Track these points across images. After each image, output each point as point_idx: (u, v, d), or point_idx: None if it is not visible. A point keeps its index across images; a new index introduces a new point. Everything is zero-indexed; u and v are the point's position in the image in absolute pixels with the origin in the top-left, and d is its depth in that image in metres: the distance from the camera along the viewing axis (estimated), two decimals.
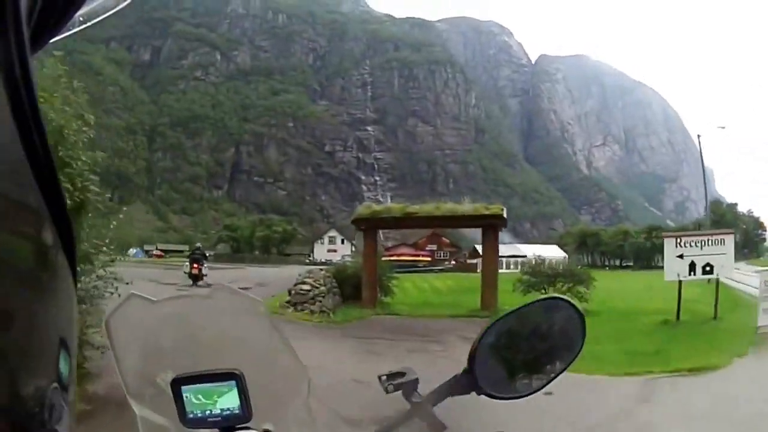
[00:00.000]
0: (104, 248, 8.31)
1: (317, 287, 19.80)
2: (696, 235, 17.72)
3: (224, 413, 1.31)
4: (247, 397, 1.30)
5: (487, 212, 22.54)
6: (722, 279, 17.27)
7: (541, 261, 23.46)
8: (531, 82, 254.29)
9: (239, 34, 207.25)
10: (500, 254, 77.29)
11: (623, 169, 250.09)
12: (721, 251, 16.16)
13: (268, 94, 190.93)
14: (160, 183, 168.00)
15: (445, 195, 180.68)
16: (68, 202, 0.67)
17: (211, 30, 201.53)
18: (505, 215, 22.55)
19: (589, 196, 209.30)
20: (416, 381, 1.36)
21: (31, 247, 0.45)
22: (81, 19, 0.75)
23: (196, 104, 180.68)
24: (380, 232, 28.71)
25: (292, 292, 19.56)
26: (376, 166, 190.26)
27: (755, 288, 16.01)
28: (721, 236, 16.69)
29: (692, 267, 15.98)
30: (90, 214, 8.01)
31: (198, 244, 31.09)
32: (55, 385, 0.49)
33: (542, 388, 1.37)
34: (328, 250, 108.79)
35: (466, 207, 23.60)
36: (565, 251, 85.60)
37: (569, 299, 1.41)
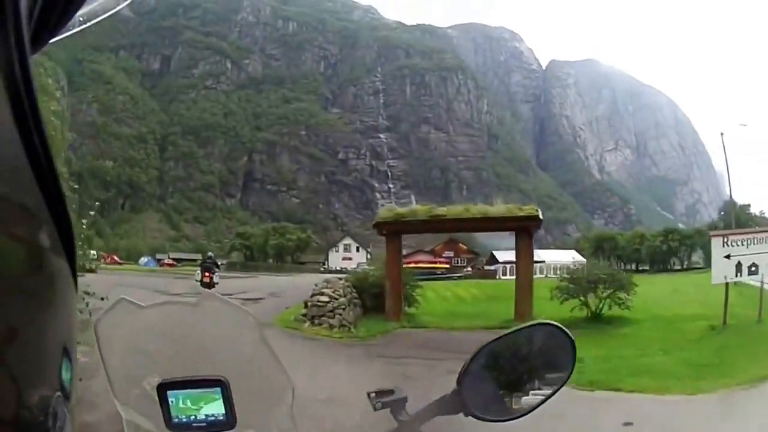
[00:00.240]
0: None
1: (336, 298, 18.42)
2: (743, 233, 17.20)
3: (209, 419, 1.32)
4: (232, 404, 1.31)
5: (521, 213, 21.31)
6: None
7: (580, 266, 22.33)
8: (542, 87, 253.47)
9: (250, 43, 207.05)
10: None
11: (635, 173, 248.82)
12: (764, 250, 15.53)
13: (280, 102, 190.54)
14: (172, 192, 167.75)
15: (459, 202, 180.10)
16: None
17: (221, 38, 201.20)
18: (540, 216, 21.45)
19: (601, 201, 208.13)
20: (405, 399, 1.36)
21: (32, 250, 0.45)
22: (81, 19, 0.75)
23: (207, 113, 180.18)
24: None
25: (309, 304, 18.32)
26: (389, 173, 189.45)
27: None
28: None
29: (738, 268, 15.39)
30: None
31: (210, 253, 30.86)
32: (59, 394, 0.50)
33: (530, 411, 1.36)
34: (343, 258, 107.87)
35: (499, 208, 22.37)
36: (582, 255, 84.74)
37: (560, 325, 1.42)
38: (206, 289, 23.77)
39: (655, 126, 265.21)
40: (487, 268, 77.19)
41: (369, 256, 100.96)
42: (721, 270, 15.67)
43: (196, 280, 26.30)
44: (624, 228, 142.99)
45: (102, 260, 75.18)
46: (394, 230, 21.81)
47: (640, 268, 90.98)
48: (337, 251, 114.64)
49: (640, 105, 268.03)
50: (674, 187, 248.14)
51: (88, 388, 2.56)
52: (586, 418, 8.78)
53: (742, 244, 15.68)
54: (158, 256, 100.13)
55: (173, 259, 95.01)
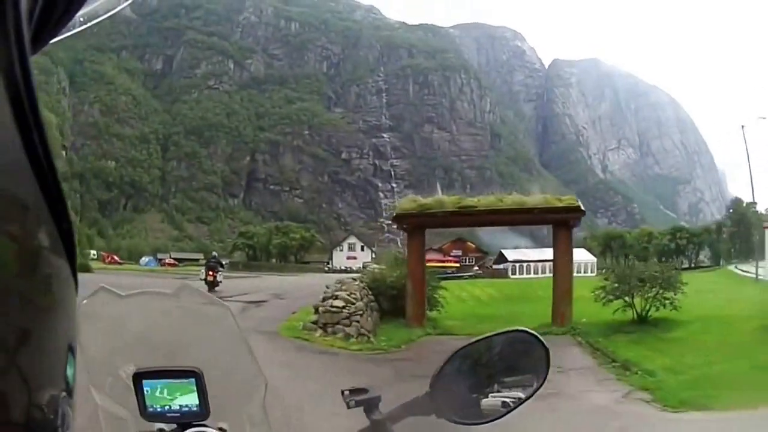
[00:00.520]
0: None
1: (353, 302, 16.05)
2: None
3: (183, 410, 1.33)
4: (206, 395, 1.32)
5: (560, 204, 18.94)
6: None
7: (630, 264, 20.24)
8: (545, 86, 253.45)
9: (252, 43, 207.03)
10: (530, 259, 74.99)
11: (638, 172, 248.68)
12: None
13: (283, 102, 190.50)
14: (174, 192, 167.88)
15: None
16: None
17: (224, 38, 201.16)
18: (582, 207, 19.19)
19: (605, 200, 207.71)
20: (378, 398, 1.37)
21: (34, 249, 0.45)
22: (81, 19, 0.75)
23: (210, 113, 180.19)
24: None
25: (321, 309, 15.95)
26: (392, 172, 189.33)
27: None
28: None
29: None
30: None
31: (214, 253, 31.59)
32: (64, 393, 0.50)
33: (502, 417, 1.36)
34: (348, 257, 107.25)
35: (535, 198, 19.90)
36: (591, 254, 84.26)
37: (535, 333, 1.42)
38: (215, 287, 25.27)
39: (657, 125, 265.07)
40: (495, 267, 76.66)
41: (374, 255, 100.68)
42: None
43: (200, 279, 26.24)
44: (627, 227, 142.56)
45: (102, 260, 74.82)
46: (417, 224, 19.10)
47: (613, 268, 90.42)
48: (341, 250, 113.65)
49: (642, 104, 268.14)
50: (677, 185, 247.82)
51: None
52: None
53: None
54: (159, 256, 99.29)
55: (175, 259, 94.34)
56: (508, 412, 1.37)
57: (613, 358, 13.48)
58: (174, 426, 1.37)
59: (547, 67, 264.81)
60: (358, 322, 15.64)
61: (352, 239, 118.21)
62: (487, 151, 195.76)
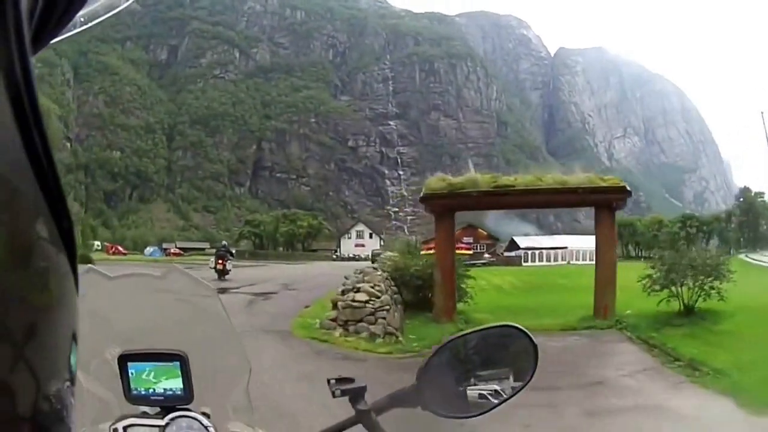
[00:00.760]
0: None
1: (378, 296, 13.96)
2: None
3: (167, 393, 1.32)
4: (190, 379, 1.31)
5: (604, 184, 17.09)
6: None
7: (682, 249, 17.96)
8: (551, 74, 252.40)
9: (257, 32, 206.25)
10: (542, 246, 74.57)
11: (643, 161, 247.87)
12: None
13: (289, 90, 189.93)
14: (180, 181, 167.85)
15: None
16: None
17: (229, 28, 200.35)
18: (628, 188, 17.50)
19: None
20: (364, 388, 1.36)
21: (35, 247, 0.45)
22: (82, 19, 0.76)
23: (215, 102, 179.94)
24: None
25: (340, 304, 13.85)
26: (399, 160, 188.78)
27: None
28: None
29: None
30: None
31: (224, 242, 32.06)
32: (68, 383, 0.50)
33: (487, 411, 1.36)
34: (356, 245, 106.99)
35: (578, 177, 17.73)
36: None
37: (523, 328, 1.40)
38: (225, 275, 26.18)
39: (662, 113, 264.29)
40: (506, 254, 76.46)
41: (382, 242, 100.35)
42: None
43: (210, 267, 26.76)
44: (634, 215, 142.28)
45: (106, 251, 74.38)
46: (446, 206, 17.09)
47: (660, 255, 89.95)
48: (349, 238, 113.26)
49: (647, 92, 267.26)
50: (682, 174, 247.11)
51: None
52: None
53: None
54: (165, 246, 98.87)
55: (180, 249, 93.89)
56: (494, 407, 1.37)
57: (675, 356, 12.22)
58: (158, 409, 1.36)
59: (552, 55, 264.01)
60: (384, 318, 13.59)
61: (360, 226, 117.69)
62: (494, 139, 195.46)
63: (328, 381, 1.36)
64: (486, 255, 72.07)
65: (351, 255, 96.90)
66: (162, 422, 1.34)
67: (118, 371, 1.33)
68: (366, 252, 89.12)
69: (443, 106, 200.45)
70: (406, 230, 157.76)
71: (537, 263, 68.27)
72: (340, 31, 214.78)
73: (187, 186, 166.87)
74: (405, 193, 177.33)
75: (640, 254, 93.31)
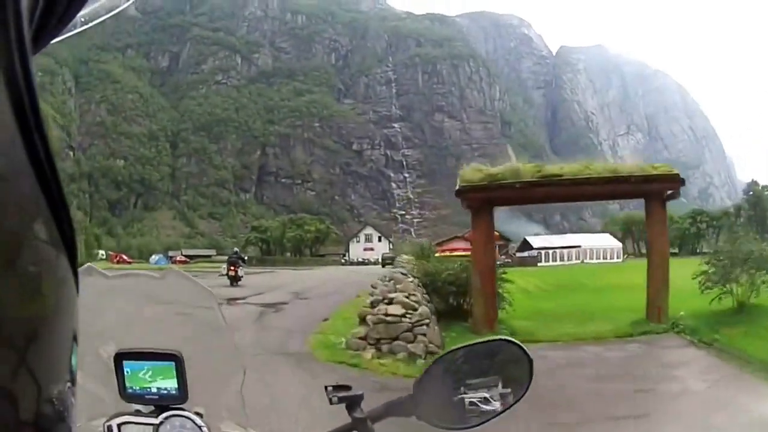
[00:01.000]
0: None
1: (414, 308, 11.73)
2: None
3: (161, 392, 1.33)
4: (185, 379, 1.31)
5: (656, 172, 15.21)
6: None
7: (736, 242, 16.45)
8: (553, 73, 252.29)
9: (259, 37, 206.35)
10: (555, 246, 73.54)
11: (647, 157, 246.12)
12: None
13: (292, 95, 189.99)
14: (185, 188, 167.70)
15: None
16: None
17: (230, 33, 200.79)
18: (681, 176, 15.47)
19: None
20: (361, 396, 1.37)
21: (35, 248, 0.45)
22: (82, 20, 0.74)
23: (218, 108, 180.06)
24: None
25: (371, 319, 11.51)
26: (404, 162, 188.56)
27: None
28: None
29: None
30: None
31: (235, 249, 32.95)
32: (69, 384, 0.50)
33: (481, 424, 1.37)
34: (365, 249, 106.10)
35: (629, 165, 16.43)
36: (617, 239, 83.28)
37: (519, 342, 1.43)
38: (237, 281, 26.55)
39: (665, 110, 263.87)
40: (519, 255, 75.56)
41: (391, 246, 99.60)
42: None
43: (223, 274, 27.49)
44: (640, 211, 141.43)
45: (110, 260, 73.63)
46: (485, 200, 14.89)
47: (669, 252, 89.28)
48: (357, 242, 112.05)
49: (649, 89, 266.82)
50: (686, 170, 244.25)
51: None
52: None
53: None
54: (170, 253, 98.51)
55: (186, 256, 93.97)
56: (489, 420, 1.38)
57: (745, 358, 10.93)
58: (152, 408, 1.37)
59: (554, 53, 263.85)
60: (424, 335, 11.21)
61: (369, 230, 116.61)
62: (498, 139, 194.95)
63: (326, 388, 1.37)
64: (501, 256, 70.89)
65: (360, 259, 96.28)
66: (156, 421, 1.36)
67: (112, 368, 1.33)
68: (375, 256, 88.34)
69: (447, 108, 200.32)
70: (413, 233, 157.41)
71: (551, 263, 67.52)
72: (341, 34, 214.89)
73: (192, 193, 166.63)
74: (411, 196, 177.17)
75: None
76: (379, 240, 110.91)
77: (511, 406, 1.39)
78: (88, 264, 1.12)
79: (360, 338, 11.34)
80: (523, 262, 63.06)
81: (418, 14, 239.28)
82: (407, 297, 12.04)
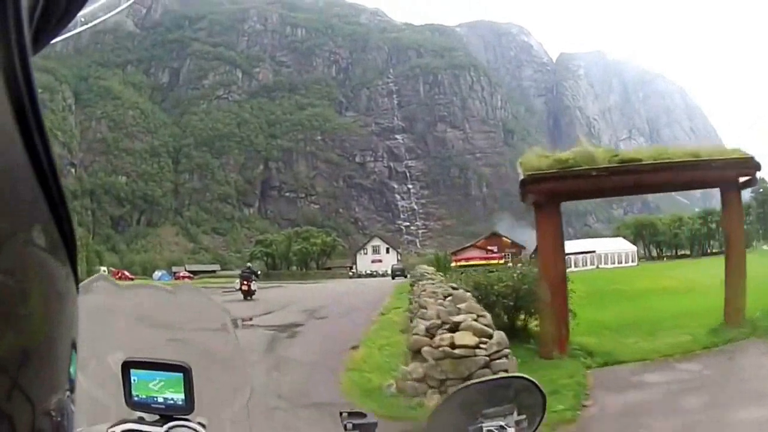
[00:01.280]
0: None
1: (489, 334, 8.89)
2: None
3: (168, 402, 1.34)
4: (192, 391, 1.32)
5: (734, 156, 13.27)
6: None
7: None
8: (554, 80, 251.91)
9: (259, 51, 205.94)
10: (569, 251, 73.20)
11: None
12: None
13: (294, 108, 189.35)
14: (188, 204, 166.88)
15: (479, 199, 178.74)
16: None
17: (230, 48, 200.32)
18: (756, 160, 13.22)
19: None
20: (375, 424, 1.38)
21: (35, 250, 0.44)
22: (82, 20, 0.72)
23: (220, 123, 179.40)
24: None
25: (429, 351, 8.67)
26: (408, 174, 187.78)
27: None
28: None
29: None
30: None
31: (248, 264, 33.44)
32: (69, 392, 0.49)
33: None
34: (373, 261, 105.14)
35: (707, 149, 14.09)
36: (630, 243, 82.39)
37: (533, 380, 1.43)
38: (251, 295, 27.21)
39: (666, 113, 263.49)
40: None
41: (399, 257, 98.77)
42: None
43: (236, 289, 27.85)
44: (643, 215, 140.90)
45: (111, 276, 73.21)
46: (554, 192, 12.40)
47: (679, 253, 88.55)
48: (365, 253, 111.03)
49: (649, 92, 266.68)
50: None
51: None
52: None
53: None
54: (174, 269, 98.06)
55: (190, 272, 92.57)
56: None
57: None
58: (156, 417, 1.37)
59: (554, 60, 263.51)
60: (505, 371, 8.24)
61: (377, 241, 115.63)
62: (501, 148, 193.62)
63: (340, 414, 1.37)
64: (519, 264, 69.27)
65: (368, 271, 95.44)
66: (160, 429, 1.35)
67: (118, 375, 1.34)
68: (384, 268, 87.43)
69: (449, 118, 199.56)
70: (418, 244, 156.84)
71: (569, 269, 66.66)
72: (341, 47, 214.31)
73: (195, 208, 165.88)
74: (415, 207, 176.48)
75: (662, 254, 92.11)
76: (387, 251, 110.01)
77: None
78: (101, 272, 1.23)
79: (417, 380, 8.58)
80: None
81: (418, 25, 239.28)
82: (476, 320, 9.18)
